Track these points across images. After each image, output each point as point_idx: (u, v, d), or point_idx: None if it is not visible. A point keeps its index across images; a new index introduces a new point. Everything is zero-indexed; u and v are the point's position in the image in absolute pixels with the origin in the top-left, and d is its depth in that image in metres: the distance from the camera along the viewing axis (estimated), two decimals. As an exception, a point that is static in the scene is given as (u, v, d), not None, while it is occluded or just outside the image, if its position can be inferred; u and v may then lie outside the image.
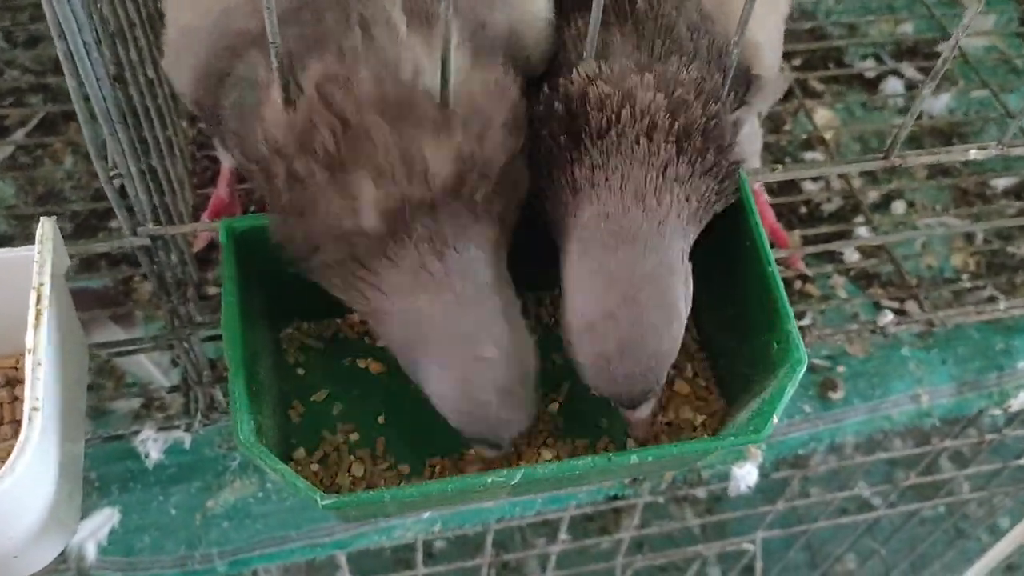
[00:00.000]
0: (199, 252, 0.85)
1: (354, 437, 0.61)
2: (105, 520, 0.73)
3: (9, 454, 0.45)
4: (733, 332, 0.61)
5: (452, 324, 0.51)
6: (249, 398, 0.52)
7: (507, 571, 1.30)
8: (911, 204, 1.00)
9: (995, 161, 1.04)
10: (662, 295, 0.52)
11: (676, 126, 0.53)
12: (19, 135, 0.97)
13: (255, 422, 0.52)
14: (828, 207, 0.99)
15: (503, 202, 0.53)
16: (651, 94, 0.53)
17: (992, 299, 0.91)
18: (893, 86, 1.08)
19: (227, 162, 0.81)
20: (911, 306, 0.89)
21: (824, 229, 0.93)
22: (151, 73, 0.71)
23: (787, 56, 1.06)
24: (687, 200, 0.53)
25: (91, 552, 0.71)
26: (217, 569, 0.76)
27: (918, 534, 1.41)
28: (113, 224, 0.92)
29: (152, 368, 0.84)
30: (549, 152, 0.55)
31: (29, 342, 0.47)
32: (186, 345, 0.66)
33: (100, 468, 0.77)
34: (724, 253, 0.60)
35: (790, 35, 0.79)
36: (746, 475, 0.84)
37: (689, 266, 0.54)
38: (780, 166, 0.61)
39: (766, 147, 0.97)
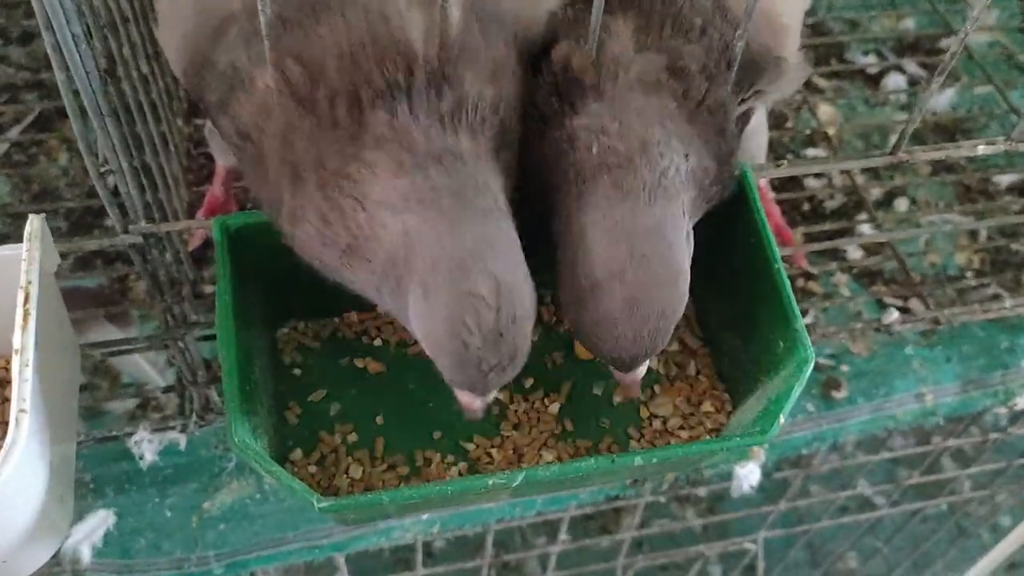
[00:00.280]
0: (195, 250, 0.84)
1: (352, 438, 0.60)
2: (100, 522, 0.72)
3: (-2, 457, 0.44)
4: (738, 330, 0.60)
5: (443, 248, 0.45)
6: (244, 399, 0.51)
7: (507, 571, 1.29)
8: (914, 201, 0.99)
9: (998, 157, 1.03)
10: (669, 250, 0.50)
11: (677, 87, 0.51)
12: (13, 132, 0.96)
13: (250, 423, 0.51)
14: (831, 204, 0.98)
15: (499, 134, 0.50)
16: (651, 56, 0.51)
17: (996, 297, 0.91)
18: (895, 82, 1.08)
19: (222, 160, 0.80)
20: (915, 304, 0.89)
21: (826, 226, 0.92)
22: (145, 68, 0.70)
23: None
24: (687, 158, 0.51)
25: (86, 554, 0.70)
26: (214, 571, 0.75)
27: (920, 533, 1.40)
28: (108, 222, 0.91)
29: (148, 368, 0.83)
30: (543, 117, 0.53)
31: (16, 343, 0.46)
32: (181, 345, 0.65)
33: (95, 469, 0.76)
34: (729, 250, 0.59)
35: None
36: (748, 475, 0.83)
37: (690, 225, 0.52)
38: (785, 162, 0.60)
39: (768, 144, 0.96)
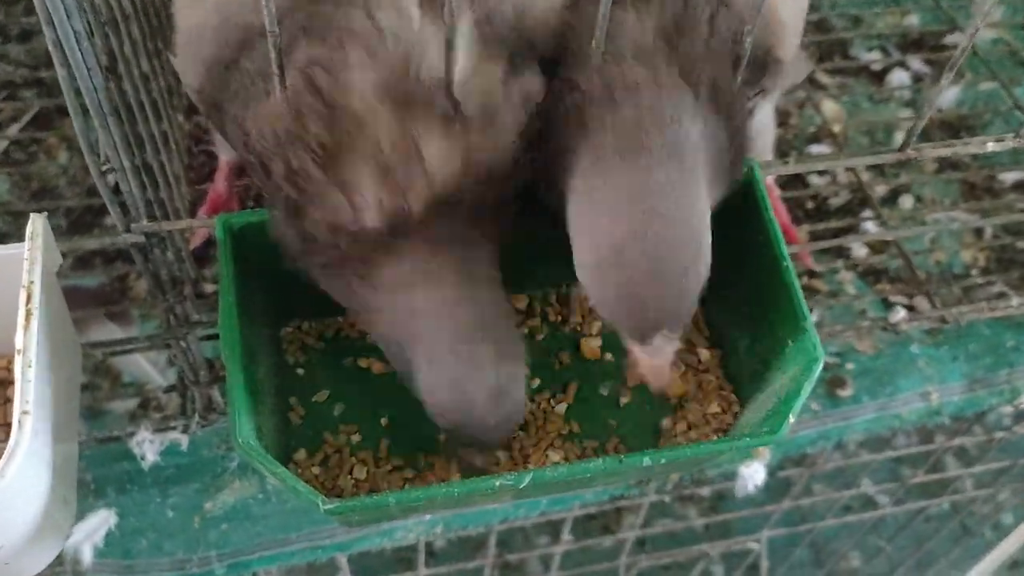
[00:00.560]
0: (196, 249, 0.83)
1: (356, 439, 0.59)
2: (101, 522, 0.71)
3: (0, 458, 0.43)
4: (746, 329, 0.59)
5: (446, 321, 0.50)
6: (248, 399, 0.51)
7: (509, 571, 1.28)
8: (919, 199, 0.99)
9: (1004, 155, 1.03)
10: (688, 208, 0.48)
11: (685, 71, 0.51)
12: (13, 130, 0.96)
13: (254, 424, 0.50)
14: (835, 201, 0.97)
15: (502, 198, 0.52)
16: (659, 43, 0.51)
17: (1002, 295, 0.90)
18: (899, 78, 1.07)
19: (225, 155, 0.80)
20: (920, 302, 0.88)
21: (831, 224, 0.91)
22: (145, 67, 0.69)
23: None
24: (702, 127, 0.50)
25: (87, 555, 0.70)
26: (216, 572, 0.75)
27: (923, 531, 1.39)
28: (108, 221, 0.90)
29: (148, 367, 0.83)
30: (552, 109, 0.53)
31: (19, 343, 0.45)
32: (183, 344, 0.64)
33: (96, 470, 0.75)
34: (736, 248, 0.58)
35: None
36: (753, 474, 0.82)
37: (707, 193, 0.50)
38: (791, 159, 0.60)
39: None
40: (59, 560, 0.69)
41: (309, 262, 0.52)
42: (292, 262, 0.52)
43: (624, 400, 0.61)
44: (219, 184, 0.81)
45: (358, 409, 0.60)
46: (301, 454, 0.58)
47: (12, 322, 0.47)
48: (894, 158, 0.58)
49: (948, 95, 1.05)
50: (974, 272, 0.94)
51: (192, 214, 0.81)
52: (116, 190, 0.54)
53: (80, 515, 0.70)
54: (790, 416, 0.50)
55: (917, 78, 1.07)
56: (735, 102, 0.53)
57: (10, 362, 0.54)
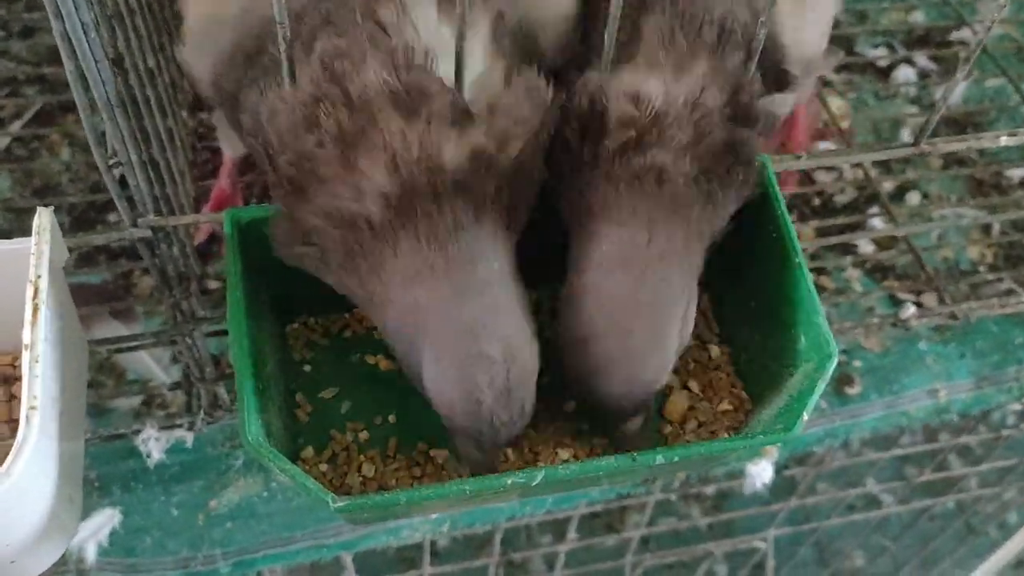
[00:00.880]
0: (199, 245, 0.83)
1: (364, 436, 0.59)
2: (106, 521, 0.71)
3: (6, 455, 0.43)
4: (757, 326, 0.59)
5: (452, 316, 0.49)
6: (256, 396, 0.50)
7: (513, 569, 1.28)
8: (926, 195, 0.98)
9: (1012, 151, 1.02)
10: (654, 326, 0.52)
11: (697, 164, 0.52)
12: (15, 127, 0.95)
13: (262, 421, 0.50)
14: (841, 198, 0.97)
15: (514, 196, 0.51)
16: (674, 121, 0.52)
17: (1010, 292, 0.90)
18: (905, 75, 1.07)
19: (229, 152, 0.79)
20: (928, 299, 0.88)
21: (838, 220, 0.91)
22: (151, 62, 0.69)
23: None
24: (700, 234, 0.53)
25: (91, 553, 0.69)
26: (220, 570, 0.74)
27: (928, 531, 1.39)
28: (112, 218, 0.90)
29: (153, 365, 0.82)
30: (567, 149, 0.54)
31: (26, 338, 0.44)
32: (189, 341, 0.64)
33: (101, 468, 0.75)
34: (748, 244, 0.58)
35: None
36: (761, 472, 0.82)
37: (695, 292, 0.55)
38: (804, 154, 0.59)
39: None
40: (63, 559, 0.69)
41: (305, 254, 0.51)
42: (287, 254, 0.52)
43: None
44: (223, 181, 0.81)
45: (366, 406, 0.60)
46: (308, 452, 0.58)
47: (19, 318, 0.46)
48: (907, 152, 0.58)
49: (955, 91, 1.05)
50: (982, 269, 0.93)
51: (196, 211, 0.81)
52: (123, 184, 0.53)
53: (84, 513, 0.69)
54: (804, 413, 0.50)
55: (923, 74, 1.07)
56: (753, 152, 0.54)
57: (15, 359, 0.54)
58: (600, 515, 1.31)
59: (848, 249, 0.92)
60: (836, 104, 1.02)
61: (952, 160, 1.01)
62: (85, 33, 0.44)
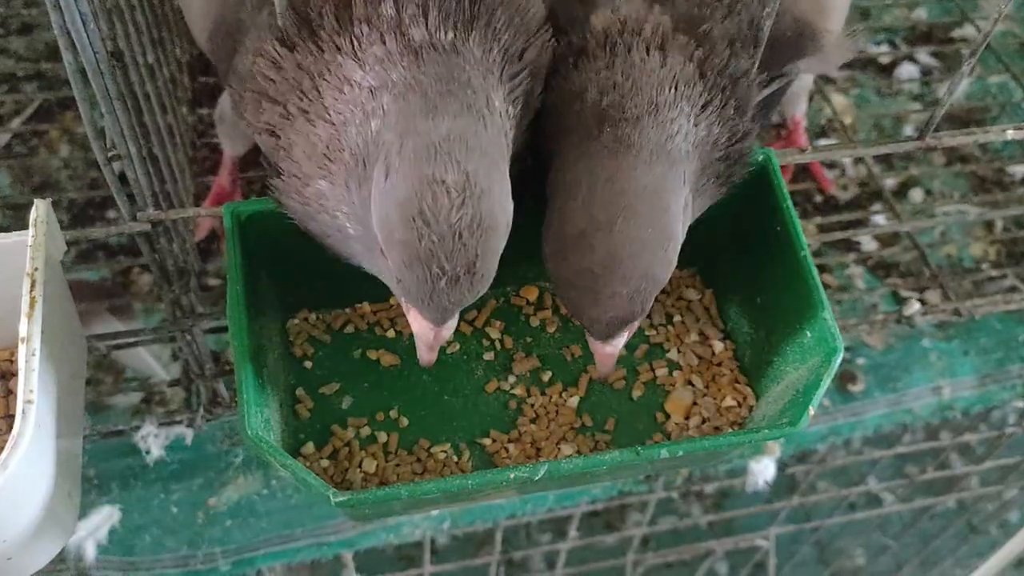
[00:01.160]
0: (199, 242, 0.83)
1: (365, 432, 0.58)
2: (105, 519, 0.71)
3: (2, 450, 0.42)
4: (761, 321, 0.58)
5: (414, 130, 0.42)
6: (256, 390, 0.50)
7: (514, 568, 1.27)
8: (929, 192, 0.98)
9: (1014, 148, 1.02)
10: (663, 213, 0.47)
11: (697, 54, 0.50)
12: (14, 123, 0.95)
13: (263, 416, 0.49)
14: (844, 196, 0.96)
15: (513, 43, 0.47)
16: (667, 19, 0.50)
17: (1013, 288, 0.89)
18: (908, 71, 1.07)
19: (229, 149, 0.79)
20: (931, 296, 0.87)
21: (840, 217, 0.90)
22: (151, 57, 0.68)
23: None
24: (695, 127, 0.49)
25: (90, 552, 0.69)
26: (220, 569, 0.74)
27: (929, 530, 1.39)
28: (111, 214, 0.90)
29: (152, 362, 0.82)
30: (553, 70, 0.51)
31: (23, 331, 0.44)
32: (188, 337, 0.63)
33: (99, 465, 0.75)
34: (752, 238, 0.57)
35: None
36: (764, 470, 0.81)
37: (690, 196, 0.50)
38: (810, 147, 0.59)
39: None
40: (61, 557, 0.69)
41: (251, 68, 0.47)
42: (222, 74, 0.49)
43: (637, 394, 0.60)
44: (223, 177, 0.81)
45: (367, 402, 0.59)
46: (309, 447, 0.57)
47: (15, 313, 0.46)
48: (913, 146, 0.58)
49: (959, 87, 1.05)
50: (985, 266, 0.93)
51: (196, 207, 0.80)
52: (122, 180, 0.53)
53: (83, 511, 0.69)
54: (809, 408, 0.49)
55: (926, 71, 1.06)
56: (749, 94, 0.52)
57: (12, 353, 0.53)
58: (601, 513, 1.31)
59: (851, 246, 0.92)
60: (838, 101, 1.02)
61: (955, 157, 1.00)
62: (84, 26, 0.44)
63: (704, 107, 0.50)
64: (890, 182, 0.97)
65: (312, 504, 0.76)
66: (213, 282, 0.84)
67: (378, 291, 0.52)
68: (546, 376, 0.61)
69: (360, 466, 0.56)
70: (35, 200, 0.49)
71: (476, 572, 1.08)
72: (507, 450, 0.58)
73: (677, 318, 0.63)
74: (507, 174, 0.44)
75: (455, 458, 0.57)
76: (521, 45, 0.48)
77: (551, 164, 0.50)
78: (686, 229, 0.50)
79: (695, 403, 0.60)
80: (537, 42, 0.49)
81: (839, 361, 0.51)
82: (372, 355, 0.61)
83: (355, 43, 0.45)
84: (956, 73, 0.52)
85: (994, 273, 0.91)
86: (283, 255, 0.54)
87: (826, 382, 0.50)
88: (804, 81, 0.82)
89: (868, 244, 0.93)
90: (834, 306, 0.86)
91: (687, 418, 0.59)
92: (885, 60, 1.08)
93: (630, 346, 0.62)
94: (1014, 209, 0.92)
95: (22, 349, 0.44)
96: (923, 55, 1.08)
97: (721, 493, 1.35)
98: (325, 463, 0.56)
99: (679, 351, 0.62)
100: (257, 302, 0.54)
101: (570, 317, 0.51)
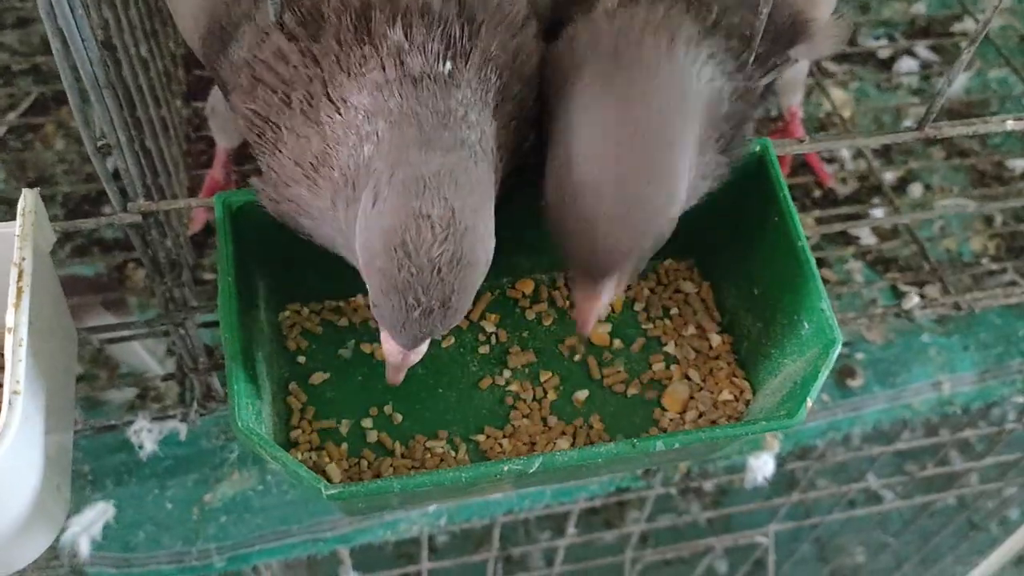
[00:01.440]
0: (195, 236, 0.82)
1: (358, 425, 0.57)
2: (99, 515, 0.70)
3: (-10, 443, 0.42)
4: (759, 313, 0.58)
5: (405, 161, 0.43)
6: (247, 382, 0.49)
7: (512, 565, 1.27)
8: (928, 187, 0.97)
9: (1013, 142, 1.02)
10: (671, 159, 0.46)
11: (697, 20, 0.49)
12: (9, 118, 0.95)
13: (254, 408, 0.49)
14: (843, 190, 0.96)
15: (508, 76, 0.48)
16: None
17: (1014, 283, 0.89)
18: (907, 65, 1.06)
19: (223, 142, 0.78)
20: (930, 290, 0.87)
21: (839, 211, 0.90)
22: (143, 49, 0.68)
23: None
24: (703, 67, 0.48)
25: (84, 548, 0.69)
26: (215, 565, 0.73)
27: (929, 527, 1.38)
28: (106, 209, 0.89)
29: (147, 357, 0.81)
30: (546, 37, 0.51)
31: (9, 321, 0.43)
32: (182, 331, 0.63)
33: (94, 461, 0.74)
34: (750, 229, 0.57)
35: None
36: (763, 466, 0.81)
37: (696, 149, 0.48)
38: (808, 138, 0.58)
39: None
40: (55, 554, 0.68)
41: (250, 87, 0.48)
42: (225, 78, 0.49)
43: (633, 388, 0.60)
44: (216, 170, 0.80)
45: (361, 395, 0.59)
46: (302, 440, 0.57)
47: (2, 305, 0.45)
48: (912, 137, 0.57)
49: (956, 82, 1.04)
50: (984, 260, 0.92)
51: (190, 200, 0.80)
52: (116, 175, 0.52)
53: (77, 508, 0.69)
54: (807, 400, 0.49)
55: (925, 65, 1.06)
56: (750, 92, 0.51)
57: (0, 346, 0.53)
58: (599, 511, 1.31)
59: (850, 240, 0.91)
60: (837, 95, 1.01)
61: (954, 151, 1.00)
62: (72, 9, 0.43)
63: (710, 57, 0.49)
64: (889, 176, 0.97)
65: (308, 500, 0.75)
66: (208, 276, 0.84)
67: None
68: (541, 370, 0.60)
69: (354, 459, 0.56)
70: (24, 190, 0.49)
71: (474, 569, 1.08)
72: (501, 446, 0.57)
73: (674, 311, 0.63)
74: (492, 211, 0.45)
75: (452, 453, 0.57)
76: (513, 60, 0.48)
77: (548, 113, 0.49)
78: (688, 179, 0.48)
79: (692, 397, 0.59)
80: (530, 57, 0.50)
81: (837, 353, 0.50)
82: (366, 348, 0.60)
83: (357, 64, 0.45)
84: (956, 62, 0.52)
85: (994, 267, 0.91)
86: (275, 247, 0.54)
87: (824, 374, 0.49)
88: (799, 71, 0.81)
89: (867, 238, 0.92)
90: (833, 300, 0.85)
91: (683, 412, 0.58)
92: (884, 54, 1.07)
93: (627, 340, 0.61)
94: (1013, 203, 0.91)
95: (9, 339, 0.43)
96: (922, 49, 1.07)
97: (720, 490, 1.35)
98: (317, 456, 0.56)
99: (676, 344, 0.61)
100: (249, 294, 0.54)
101: (566, 257, 0.50)
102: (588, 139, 0.46)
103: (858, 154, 0.97)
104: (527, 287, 0.63)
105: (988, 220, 0.96)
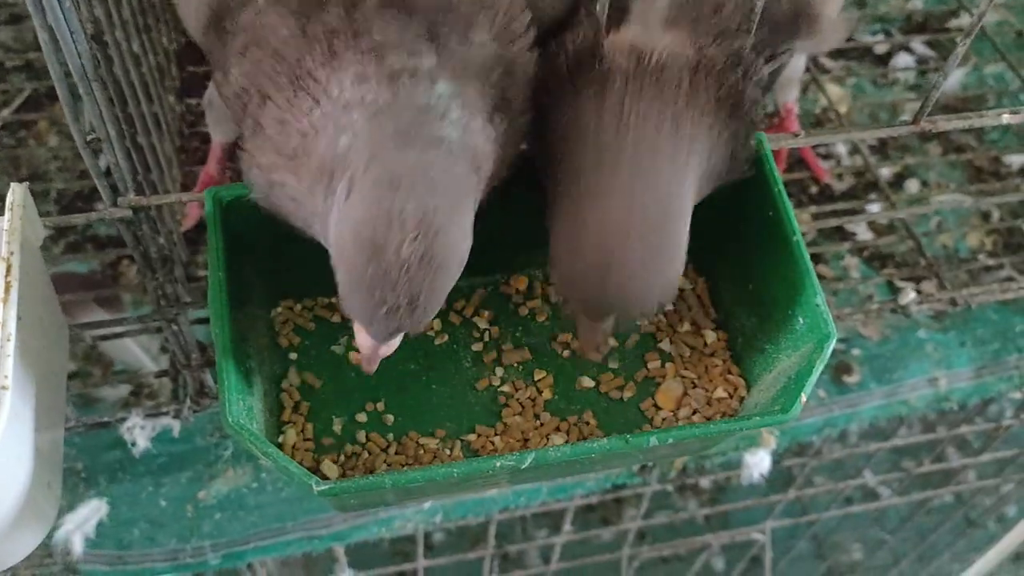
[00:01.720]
0: (188, 232, 0.82)
1: (352, 421, 0.57)
2: (93, 512, 0.70)
3: (-23, 439, 0.41)
4: (754, 308, 0.57)
5: (382, 156, 0.42)
6: (239, 378, 0.49)
7: (508, 563, 1.27)
8: (925, 183, 0.97)
9: (1010, 138, 1.01)
10: (677, 230, 0.48)
11: (696, 73, 0.49)
12: (3, 114, 0.94)
13: (245, 404, 0.49)
14: (839, 186, 0.96)
15: (499, 79, 0.48)
16: (669, 46, 0.49)
17: (1010, 278, 0.89)
18: (904, 61, 1.06)
19: (218, 137, 0.78)
20: (927, 286, 0.87)
21: (835, 207, 0.90)
22: (135, 45, 0.68)
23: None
24: (699, 141, 0.49)
25: (78, 545, 0.68)
26: (210, 562, 0.73)
27: (926, 524, 1.38)
28: (100, 206, 0.88)
29: (140, 354, 0.81)
30: (558, 88, 0.51)
31: (-3, 316, 0.43)
32: (174, 327, 0.62)
33: (87, 458, 0.74)
34: (745, 224, 0.56)
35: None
36: (759, 462, 0.81)
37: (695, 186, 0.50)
38: (803, 132, 0.58)
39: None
40: (49, 551, 0.68)
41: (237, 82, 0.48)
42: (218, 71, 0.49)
43: (628, 387, 0.59)
44: (211, 165, 0.80)
45: (354, 391, 0.58)
46: (294, 437, 0.56)
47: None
48: (908, 130, 0.57)
49: (952, 78, 1.04)
50: (981, 256, 0.92)
51: (183, 196, 0.79)
52: (108, 172, 0.52)
53: (71, 505, 0.69)
54: (802, 395, 0.48)
55: (921, 61, 1.06)
56: (744, 101, 0.51)
57: (-9, 345, 0.52)
58: (596, 508, 1.30)
59: (846, 236, 0.91)
60: (834, 91, 1.01)
61: (951, 147, 1.00)
62: (60, 4, 0.43)
63: (707, 118, 0.50)
64: (886, 172, 0.97)
65: (303, 497, 0.75)
66: (202, 273, 0.84)
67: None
68: (535, 367, 0.60)
69: (347, 456, 0.55)
70: (12, 184, 0.48)
71: (470, 566, 1.08)
72: (493, 443, 0.57)
73: (669, 307, 0.62)
74: (470, 212, 0.44)
75: (447, 451, 0.56)
76: (508, 64, 0.48)
77: (555, 157, 0.50)
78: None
79: (685, 394, 0.59)
80: (526, 65, 0.50)
81: (832, 347, 0.50)
82: (359, 345, 0.60)
83: (340, 54, 0.45)
84: (951, 55, 0.52)
85: (990, 263, 0.90)
86: (267, 242, 0.54)
87: (819, 368, 0.49)
88: (796, 67, 0.81)
89: (863, 234, 0.92)
90: (829, 296, 0.85)
91: (677, 410, 0.58)
92: (881, 50, 1.07)
93: (621, 337, 0.61)
94: (1010, 198, 0.91)
95: (-3, 335, 0.43)
96: (919, 45, 1.07)
97: (717, 487, 1.35)
98: (310, 453, 0.55)
99: (671, 341, 0.61)
100: (241, 290, 0.53)
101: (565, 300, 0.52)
102: (601, 210, 0.47)
103: (854, 150, 0.97)
104: (521, 283, 0.63)
105: (985, 216, 0.95)
